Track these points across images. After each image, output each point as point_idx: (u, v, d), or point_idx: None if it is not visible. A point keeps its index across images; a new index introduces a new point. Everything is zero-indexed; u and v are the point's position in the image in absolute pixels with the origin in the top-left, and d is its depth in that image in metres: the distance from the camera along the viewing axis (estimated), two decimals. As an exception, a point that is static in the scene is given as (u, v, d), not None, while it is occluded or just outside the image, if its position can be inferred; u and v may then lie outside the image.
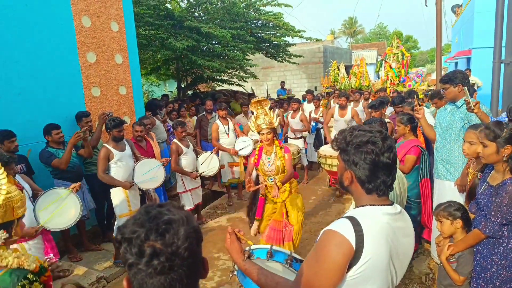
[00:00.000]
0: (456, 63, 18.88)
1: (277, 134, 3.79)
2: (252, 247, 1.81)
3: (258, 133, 3.71)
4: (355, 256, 1.20)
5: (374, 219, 1.26)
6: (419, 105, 3.62)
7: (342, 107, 6.91)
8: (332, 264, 1.19)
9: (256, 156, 3.80)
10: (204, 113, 7.38)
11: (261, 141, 3.77)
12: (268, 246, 1.82)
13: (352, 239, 1.20)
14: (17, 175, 3.21)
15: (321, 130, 7.71)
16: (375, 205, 1.30)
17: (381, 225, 1.26)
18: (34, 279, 1.57)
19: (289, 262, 1.76)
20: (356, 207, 1.36)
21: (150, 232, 0.82)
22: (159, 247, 0.81)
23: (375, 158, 1.26)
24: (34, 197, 3.30)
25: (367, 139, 1.27)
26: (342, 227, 1.23)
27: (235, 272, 1.84)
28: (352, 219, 1.24)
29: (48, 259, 3.24)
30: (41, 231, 3.13)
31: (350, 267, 1.21)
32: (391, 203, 1.34)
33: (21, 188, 1.77)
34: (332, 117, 7.10)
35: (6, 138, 3.67)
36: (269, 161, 3.71)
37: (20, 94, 4.21)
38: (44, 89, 4.49)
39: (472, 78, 11.05)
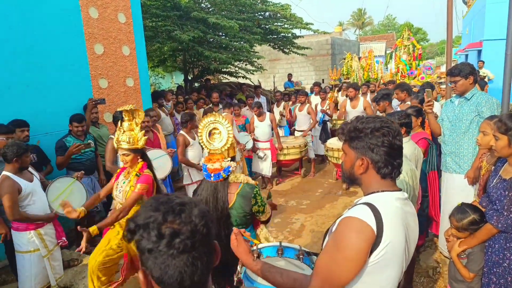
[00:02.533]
0: (467, 56, 18.59)
1: (144, 154, 3.12)
2: (260, 246, 1.77)
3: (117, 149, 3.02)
4: (375, 241, 1.20)
5: (389, 203, 1.27)
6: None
7: (352, 99, 6.84)
8: (355, 251, 1.19)
9: (115, 175, 3.15)
10: (210, 105, 7.36)
11: None
12: (277, 243, 1.78)
13: (373, 224, 1.19)
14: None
15: (328, 123, 7.66)
16: (386, 191, 1.31)
17: (395, 210, 1.27)
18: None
19: (301, 256, 1.72)
20: (365, 195, 1.35)
21: (167, 213, 0.82)
22: (177, 227, 0.81)
23: (392, 140, 1.29)
24: (42, 186, 3.41)
25: (380, 124, 1.30)
26: (361, 213, 1.23)
27: (240, 275, 1.79)
28: (370, 205, 1.24)
29: (60, 242, 3.43)
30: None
31: (370, 252, 1.21)
32: (400, 189, 1.35)
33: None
34: (345, 109, 7.03)
35: (17, 127, 3.73)
36: (122, 186, 2.99)
37: (29, 85, 4.23)
38: (53, 80, 4.50)
39: (484, 71, 10.86)
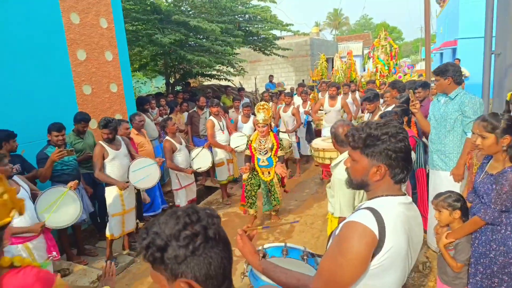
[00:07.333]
0: (442, 54, 19.17)
1: None
2: (265, 246, 1.81)
3: None
4: (378, 245, 1.22)
5: (392, 208, 1.29)
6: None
7: (332, 97, 6.98)
8: (357, 255, 1.21)
9: None
10: (195, 108, 7.32)
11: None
12: (282, 244, 1.82)
13: (375, 229, 1.22)
14: (15, 175, 3.15)
15: (312, 123, 7.76)
16: (390, 195, 1.32)
17: (398, 214, 1.29)
18: None
19: (305, 258, 1.76)
20: (369, 199, 1.37)
21: (189, 216, 0.85)
22: (204, 223, 0.84)
23: (408, 146, 1.31)
24: (33, 197, 3.28)
25: (395, 130, 1.31)
26: (364, 218, 1.25)
27: (246, 274, 1.83)
28: (372, 210, 1.27)
29: (51, 257, 3.30)
30: (43, 230, 3.16)
31: (373, 256, 1.24)
32: (404, 194, 1.37)
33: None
34: (322, 107, 7.16)
35: (11, 137, 3.68)
36: None
37: (11, 94, 4.11)
38: (35, 88, 4.38)
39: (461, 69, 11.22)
